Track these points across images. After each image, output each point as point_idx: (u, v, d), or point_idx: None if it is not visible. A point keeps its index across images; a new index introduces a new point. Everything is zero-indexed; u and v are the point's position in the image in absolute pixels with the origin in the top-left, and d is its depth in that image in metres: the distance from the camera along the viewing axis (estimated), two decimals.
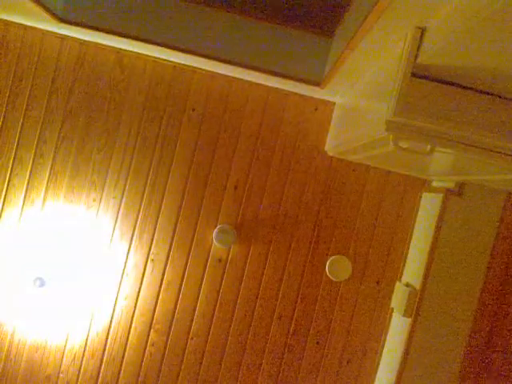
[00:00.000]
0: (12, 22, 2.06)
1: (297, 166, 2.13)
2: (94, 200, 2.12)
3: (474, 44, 0.79)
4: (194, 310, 2.16)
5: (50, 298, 2.14)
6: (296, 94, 2.11)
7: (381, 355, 2.17)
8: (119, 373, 2.17)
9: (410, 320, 1.91)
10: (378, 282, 2.16)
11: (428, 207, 2.04)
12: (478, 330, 1.94)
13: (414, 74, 0.98)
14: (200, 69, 2.08)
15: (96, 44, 2.08)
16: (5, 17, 2.01)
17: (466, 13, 0.73)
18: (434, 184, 2.08)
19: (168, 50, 1.82)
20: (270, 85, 2.09)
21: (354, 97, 1.70)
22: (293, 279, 2.16)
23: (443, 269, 1.89)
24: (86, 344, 2.16)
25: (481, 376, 1.97)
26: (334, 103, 2.12)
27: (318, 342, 2.18)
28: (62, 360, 2.16)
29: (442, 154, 1.21)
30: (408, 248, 2.14)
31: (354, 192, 2.14)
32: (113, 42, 1.99)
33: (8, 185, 2.11)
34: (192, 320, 2.16)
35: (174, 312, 2.16)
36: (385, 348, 2.16)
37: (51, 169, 2.11)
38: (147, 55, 2.07)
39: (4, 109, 2.09)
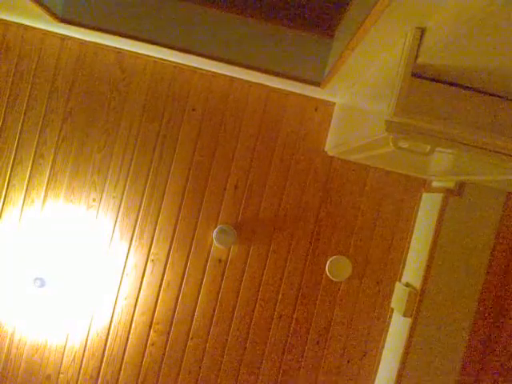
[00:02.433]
0: (12, 21, 2.06)
1: (297, 166, 2.13)
2: (94, 200, 2.12)
3: (473, 44, 0.79)
4: (194, 310, 2.16)
5: (50, 298, 2.14)
6: (296, 93, 2.11)
7: (381, 355, 2.17)
8: (119, 373, 2.17)
9: (410, 320, 1.91)
10: (378, 282, 2.16)
11: (428, 207, 2.04)
12: (477, 329, 1.94)
13: (414, 74, 0.98)
14: (200, 69, 2.08)
15: (96, 44, 2.08)
16: (5, 17, 2.01)
17: (465, 13, 0.73)
18: (434, 184, 2.08)
19: (168, 50, 1.82)
20: (270, 85, 2.09)
21: (354, 97, 1.70)
22: (293, 279, 2.16)
23: (443, 269, 1.89)
24: (85, 344, 2.16)
25: (481, 376, 1.97)
26: (334, 103, 2.12)
27: (318, 342, 2.18)
28: (61, 360, 2.16)
29: (441, 154, 1.21)
30: (408, 248, 2.14)
31: (353, 192, 2.14)
32: (113, 42, 1.99)
33: (8, 185, 2.11)
34: (192, 320, 2.16)
35: (174, 312, 2.16)
36: (385, 348, 2.15)
37: (51, 169, 2.11)
38: (147, 55, 2.07)
39: (4, 109, 2.09)
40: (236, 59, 1.79)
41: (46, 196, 2.12)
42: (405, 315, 1.92)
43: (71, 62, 2.09)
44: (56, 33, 2.05)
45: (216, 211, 2.13)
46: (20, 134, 2.10)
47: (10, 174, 2.11)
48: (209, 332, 2.16)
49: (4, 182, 2.11)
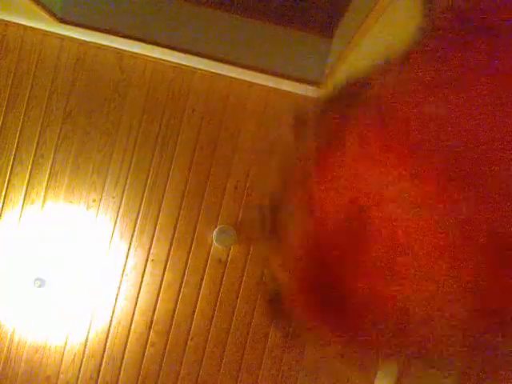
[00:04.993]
0: (12, 22, 2.05)
1: None
2: (94, 200, 2.12)
3: None
4: (194, 311, 2.16)
5: (50, 299, 2.14)
6: (296, 94, 2.11)
7: None
8: (119, 373, 2.17)
9: None
10: None
11: None
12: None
13: None
14: (200, 69, 2.08)
15: (96, 44, 2.08)
16: (5, 17, 2.01)
17: None
18: None
19: (168, 50, 1.82)
20: (269, 85, 2.09)
21: None
22: None
23: None
24: (85, 344, 2.16)
25: (481, 376, 1.97)
26: None
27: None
28: (61, 360, 2.16)
29: None
30: None
31: None
32: (112, 43, 1.99)
33: (8, 185, 2.11)
34: (192, 320, 2.16)
35: (174, 312, 2.16)
36: None
37: (51, 169, 2.11)
38: (147, 55, 2.07)
39: (4, 109, 2.09)
40: (236, 59, 1.79)
41: (45, 196, 2.12)
42: None
43: (71, 63, 2.09)
44: (56, 33, 2.05)
45: (216, 211, 2.13)
46: (20, 133, 2.10)
47: (10, 174, 2.11)
48: (209, 332, 2.16)
49: (4, 181, 2.11)
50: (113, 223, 2.13)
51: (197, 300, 2.15)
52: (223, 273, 2.15)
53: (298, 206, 0.33)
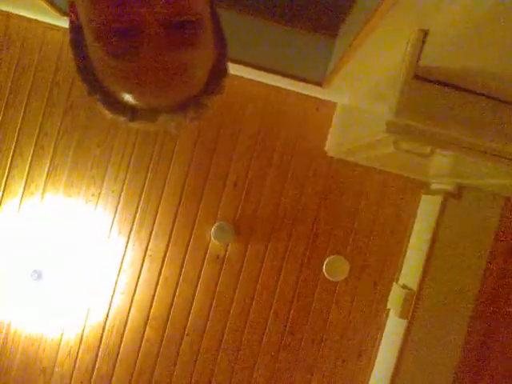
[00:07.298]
0: (15, 14, 2.05)
1: (296, 165, 2.13)
2: (93, 194, 2.12)
3: (475, 47, 0.79)
4: (191, 307, 2.16)
5: (47, 292, 2.14)
6: (297, 93, 2.11)
7: (376, 355, 2.18)
8: (114, 367, 2.17)
9: (405, 321, 1.92)
10: (374, 283, 2.16)
11: (427, 209, 2.04)
12: (474, 331, 1.95)
13: (416, 76, 0.99)
14: None
15: None
16: (8, 9, 2.01)
17: (468, 16, 0.73)
18: (433, 186, 2.08)
19: None
20: (270, 84, 2.09)
21: (356, 97, 1.70)
22: (290, 278, 2.16)
23: (440, 271, 1.90)
24: (81, 338, 2.16)
25: (477, 377, 1.98)
26: (335, 103, 2.12)
27: (313, 341, 2.18)
28: (57, 353, 2.16)
29: (441, 156, 1.21)
30: (406, 249, 2.15)
31: (352, 193, 2.15)
32: None
33: (8, 177, 2.11)
34: (188, 317, 2.16)
35: (171, 308, 2.16)
36: (380, 349, 2.16)
37: (51, 162, 2.11)
38: None
39: (5, 101, 2.08)
40: (237, 57, 1.79)
41: (45, 189, 2.12)
42: (401, 317, 1.92)
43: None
44: (58, 26, 2.05)
45: (215, 208, 2.13)
46: (21, 126, 2.09)
47: (10, 166, 2.11)
48: (205, 329, 2.17)
49: (4, 173, 2.10)
50: (111, 217, 2.13)
51: (193, 297, 2.16)
52: (220, 270, 2.15)
53: None
